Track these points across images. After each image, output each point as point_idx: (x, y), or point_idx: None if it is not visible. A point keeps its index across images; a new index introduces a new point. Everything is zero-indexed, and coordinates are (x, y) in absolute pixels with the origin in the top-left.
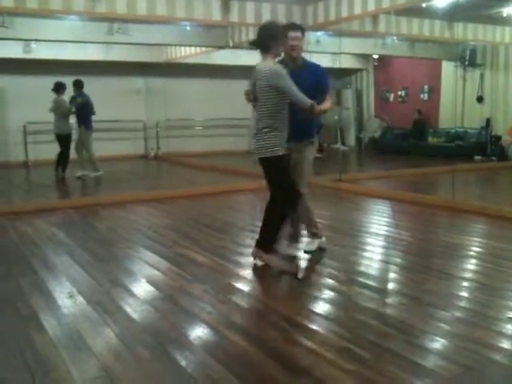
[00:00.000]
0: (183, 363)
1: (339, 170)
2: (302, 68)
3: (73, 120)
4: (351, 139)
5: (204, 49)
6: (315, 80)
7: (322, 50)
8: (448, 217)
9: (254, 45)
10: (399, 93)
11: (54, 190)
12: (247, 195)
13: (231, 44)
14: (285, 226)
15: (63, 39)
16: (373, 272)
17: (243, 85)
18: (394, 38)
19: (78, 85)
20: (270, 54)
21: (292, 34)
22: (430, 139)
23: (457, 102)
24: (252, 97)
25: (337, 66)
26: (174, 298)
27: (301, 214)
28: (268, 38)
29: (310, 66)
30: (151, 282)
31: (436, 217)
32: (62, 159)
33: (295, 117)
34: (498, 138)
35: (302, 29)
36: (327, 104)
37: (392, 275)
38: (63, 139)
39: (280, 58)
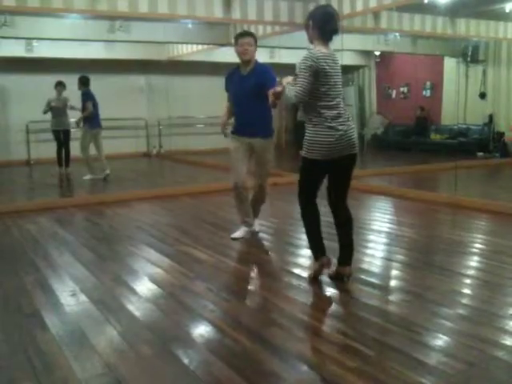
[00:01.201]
0: (186, 361)
1: None
2: (252, 71)
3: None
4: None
5: (206, 46)
6: (260, 80)
7: None
8: (450, 213)
9: None
10: (401, 89)
11: (57, 189)
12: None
13: (233, 41)
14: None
15: (65, 37)
16: (375, 269)
17: None
18: (396, 34)
19: (83, 81)
20: None
21: (241, 40)
22: (433, 136)
23: (459, 99)
24: None
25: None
26: (176, 296)
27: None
28: None
29: (258, 68)
30: (154, 280)
31: (438, 213)
32: (66, 155)
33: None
34: (501, 134)
35: (252, 35)
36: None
37: (394, 272)
38: (65, 135)
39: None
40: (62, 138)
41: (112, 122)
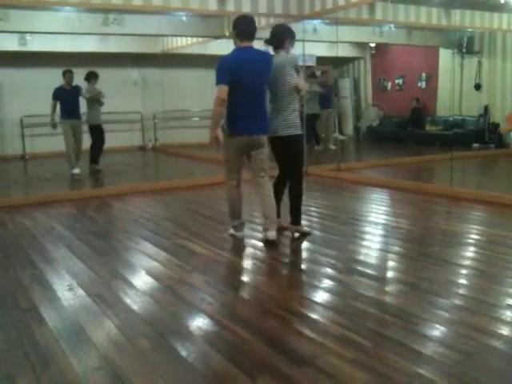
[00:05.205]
0: (184, 353)
1: (338, 160)
2: None
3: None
4: (349, 128)
5: (200, 39)
6: None
7: (319, 39)
8: (446, 204)
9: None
10: (396, 81)
11: (53, 183)
12: (245, 186)
13: (227, 34)
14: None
15: (58, 31)
16: (371, 260)
17: None
18: (391, 25)
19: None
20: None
21: None
22: (428, 127)
23: (454, 90)
24: None
25: (334, 54)
26: (173, 289)
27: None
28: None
29: None
30: (151, 273)
31: (434, 205)
32: (97, 150)
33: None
34: (496, 125)
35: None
36: None
37: (391, 263)
38: (96, 130)
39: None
40: (97, 131)
41: (107, 115)
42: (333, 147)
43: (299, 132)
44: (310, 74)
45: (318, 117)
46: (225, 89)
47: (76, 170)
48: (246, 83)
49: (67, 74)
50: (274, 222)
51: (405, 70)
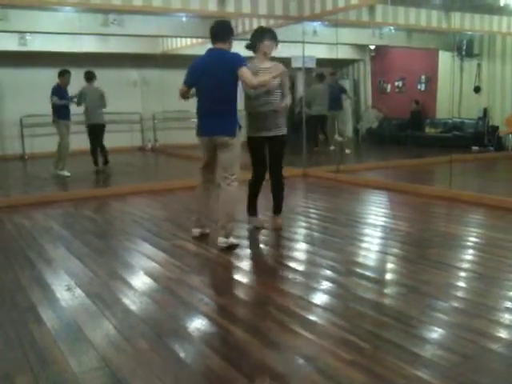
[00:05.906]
0: (182, 354)
1: (337, 161)
2: None
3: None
4: (349, 130)
5: (200, 40)
6: None
7: (319, 41)
8: (445, 207)
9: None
10: (396, 83)
11: (52, 183)
12: (244, 186)
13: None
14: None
15: (58, 31)
16: (371, 263)
17: None
18: (391, 28)
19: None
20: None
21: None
22: (428, 129)
23: (454, 93)
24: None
25: (334, 56)
26: (172, 290)
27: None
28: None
29: None
30: (149, 273)
31: (433, 207)
32: (101, 151)
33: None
34: (495, 128)
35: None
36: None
37: (390, 266)
38: (98, 130)
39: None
40: (100, 132)
41: (106, 116)
42: (333, 147)
43: None
44: (319, 75)
45: (324, 118)
46: (183, 88)
47: (66, 173)
48: (205, 84)
49: (67, 75)
50: (223, 226)
51: (404, 73)
